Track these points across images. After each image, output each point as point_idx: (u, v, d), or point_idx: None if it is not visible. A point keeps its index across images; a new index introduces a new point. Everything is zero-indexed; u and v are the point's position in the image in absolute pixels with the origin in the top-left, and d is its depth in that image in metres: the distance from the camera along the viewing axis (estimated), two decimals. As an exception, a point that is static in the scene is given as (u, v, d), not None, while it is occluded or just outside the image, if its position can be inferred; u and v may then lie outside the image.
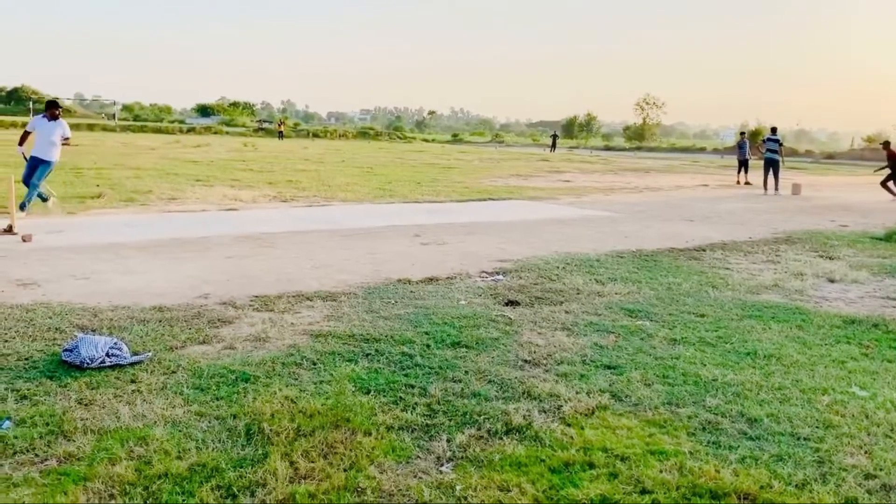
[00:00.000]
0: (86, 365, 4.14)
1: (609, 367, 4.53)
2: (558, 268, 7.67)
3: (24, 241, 8.34)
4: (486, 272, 7.46)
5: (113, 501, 2.81)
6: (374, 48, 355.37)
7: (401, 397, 3.91)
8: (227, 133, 57.52)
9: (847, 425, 3.74)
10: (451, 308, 5.85)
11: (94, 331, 4.87)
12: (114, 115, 72.96)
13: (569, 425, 3.61)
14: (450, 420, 3.64)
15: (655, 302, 6.28)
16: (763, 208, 15.53)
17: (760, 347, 5.04)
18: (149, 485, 2.91)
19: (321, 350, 4.67)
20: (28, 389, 3.84)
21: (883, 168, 19.86)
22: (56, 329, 4.91)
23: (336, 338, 4.94)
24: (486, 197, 16.03)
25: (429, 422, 3.61)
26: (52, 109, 10.31)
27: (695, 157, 48.18)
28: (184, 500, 2.82)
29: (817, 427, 3.71)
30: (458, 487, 2.99)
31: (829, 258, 8.99)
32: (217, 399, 3.81)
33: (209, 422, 3.52)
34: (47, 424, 3.42)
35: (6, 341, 4.61)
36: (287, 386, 4.02)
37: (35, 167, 10.10)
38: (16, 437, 3.28)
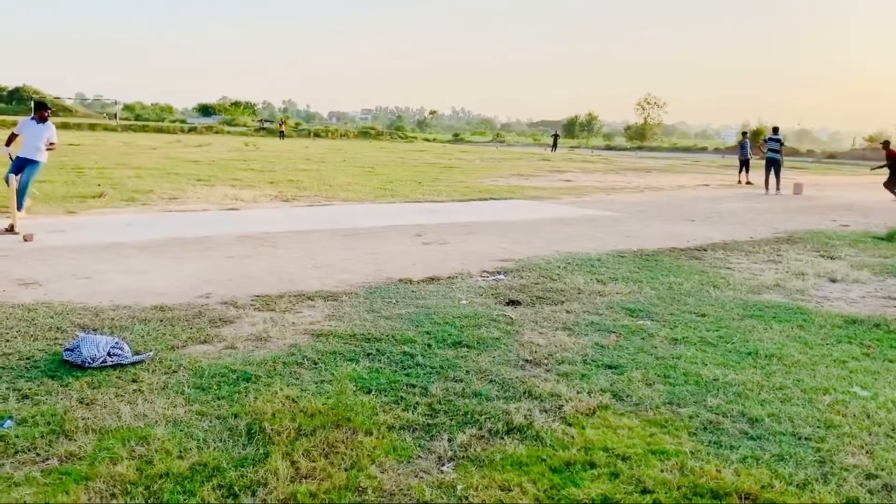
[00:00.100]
0: (87, 364, 4.14)
1: (610, 367, 4.53)
2: (559, 267, 7.67)
3: (25, 240, 8.34)
4: (487, 272, 7.46)
5: (114, 501, 2.82)
6: (375, 48, 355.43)
7: (402, 397, 3.91)
8: (229, 133, 57.47)
9: (848, 425, 3.74)
10: (453, 308, 5.85)
11: (95, 330, 4.87)
12: (115, 115, 72.95)
13: (570, 425, 3.61)
14: (451, 420, 3.64)
15: (656, 301, 6.28)
16: (764, 208, 15.53)
17: (762, 347, 5.04)
18: (150, 484, 2.92)
19: (322, 349, 4.67)
20: (29, 389, 3.84)
21: (881, 167, 19.82)
22: (57, 328, 4.92)
23: (337, 337, 4.94)
24: (488, 196, 16.03)
25: (430, 421, 3.61)
26: (40, 111, 10.05)
27: (696, 157, 48.17)
28: (185, 500, 2.82)
29: (818, 427, 3.71)
30: (459, 487, 2.99)
31: (831, 258, 8.99)
32: (218, 398, 3.81)
33: (210, 421, 3.53)
34: (49, 424, 3.43)
35: (8, 341, 4.61)
36: (288, 385, 4.02)
37: (22, 167, 9.90)
38: (17, 437, 3.28)
